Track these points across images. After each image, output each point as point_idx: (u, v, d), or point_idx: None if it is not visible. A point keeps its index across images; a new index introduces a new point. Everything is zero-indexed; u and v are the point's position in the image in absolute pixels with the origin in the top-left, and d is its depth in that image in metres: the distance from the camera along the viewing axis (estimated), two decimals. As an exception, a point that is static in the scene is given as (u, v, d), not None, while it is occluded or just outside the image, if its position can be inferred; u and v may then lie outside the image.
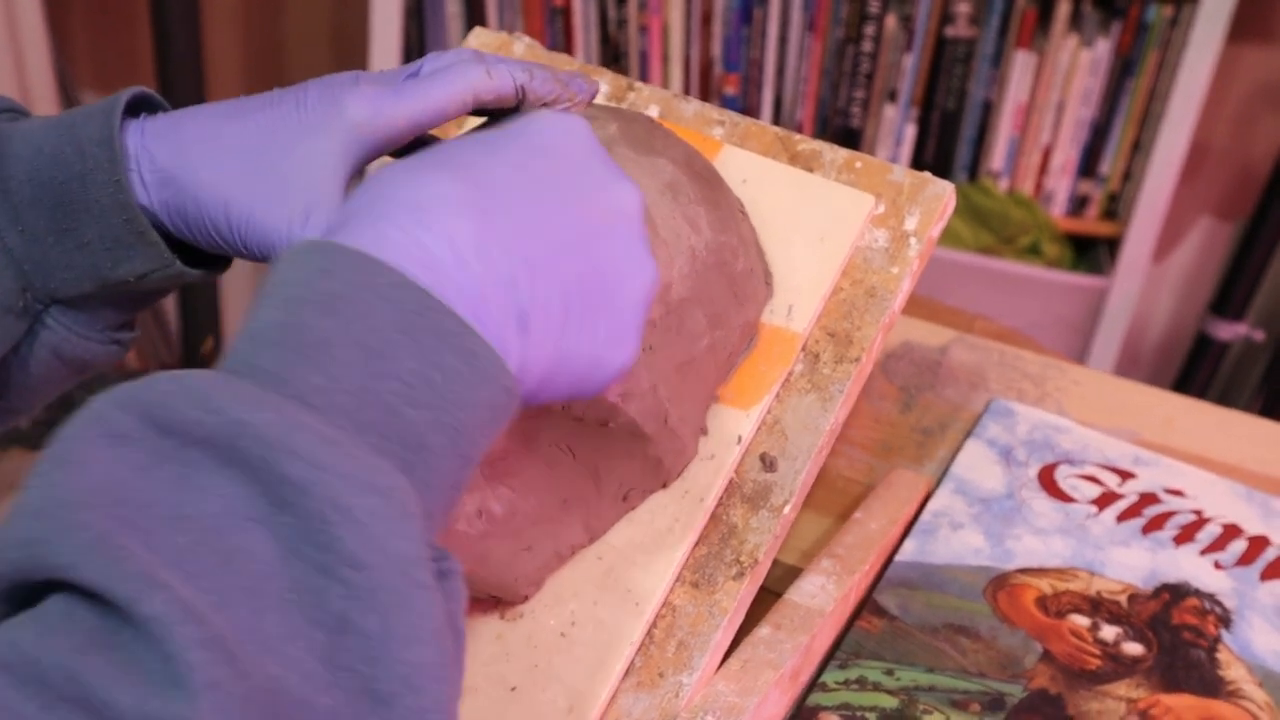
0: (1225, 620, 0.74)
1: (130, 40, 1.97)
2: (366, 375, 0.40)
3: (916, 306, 1.07)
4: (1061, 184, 1.91)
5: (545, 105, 0.60)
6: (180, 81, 1.71)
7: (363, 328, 0.41)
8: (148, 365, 1.94)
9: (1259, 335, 1.92)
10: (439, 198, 0.45)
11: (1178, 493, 0.82)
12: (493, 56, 0.59)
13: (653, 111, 0.74)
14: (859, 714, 0.67)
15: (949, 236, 1.85)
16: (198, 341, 1.82)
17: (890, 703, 0.68)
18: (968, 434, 0.86)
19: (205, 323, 1.82)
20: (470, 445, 0.43)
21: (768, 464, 0.64)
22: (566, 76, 0.60)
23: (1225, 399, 2.05)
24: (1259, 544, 0.79)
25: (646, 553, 0.62)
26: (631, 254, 0.49)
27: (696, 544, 0.63)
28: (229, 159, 0.57)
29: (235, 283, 2.03)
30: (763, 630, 0.66)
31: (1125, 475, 0.83)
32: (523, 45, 0.78)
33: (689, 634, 0.61)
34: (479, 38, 0.79)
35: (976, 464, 0.83)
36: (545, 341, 0.46)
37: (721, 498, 0.64)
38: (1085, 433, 0.86)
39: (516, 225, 0.46)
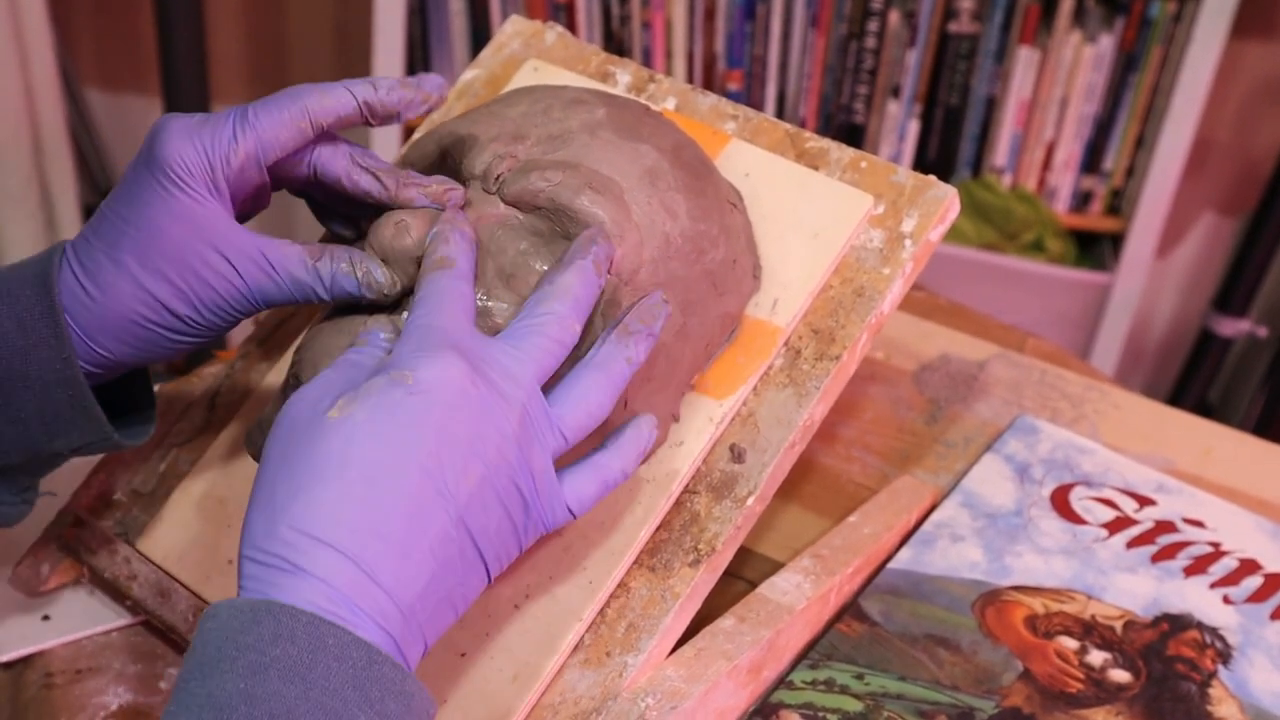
0: (1225, 656, 0.71)
1: (134, 38, 2.02)
2: None
3: (965, 320, 1.05)
4: (1065, 180, 1.90)
5: (397, 113, 0.59)
6: (184, 79, 1.73)
7: (321, 691, 0.45)
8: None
9: (1262, 331, 1.91)
10: (357, 537, 0.48)
11: (1197, 523, 0.79)
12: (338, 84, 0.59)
13: (670, 103, 0.75)
14: (821, 714, 0.66)
15: (952, 233, 1.86)
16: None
17: (855, 706, 0.67)
18: (986, 448, 0.85)
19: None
20: None
21: (736, 455, 0.64)
22: (415, 79, 0.59)
23: (1228, 395, 2.04)
24: (1276, 582, 0.76)
25: (606, 533, 0.63)
26: (493, 499, 0.51)
27: (658, 529, 0.64)
28: (140, 271, 0.58)
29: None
30: (725, 621, 0.66)
31: (1144, 501, 0.81)
32: (554, 34, 0.80)
33: (640, 616, 0.62)
34: (514, 25, 0.81)
35: (989, 478, 0.82)
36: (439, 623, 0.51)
37: (688, 485, 0.64)
38: (1110, 456, 0.84)
39: (416, 547, 0.49)
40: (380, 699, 0.46)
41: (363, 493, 0.48)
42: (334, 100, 0.58)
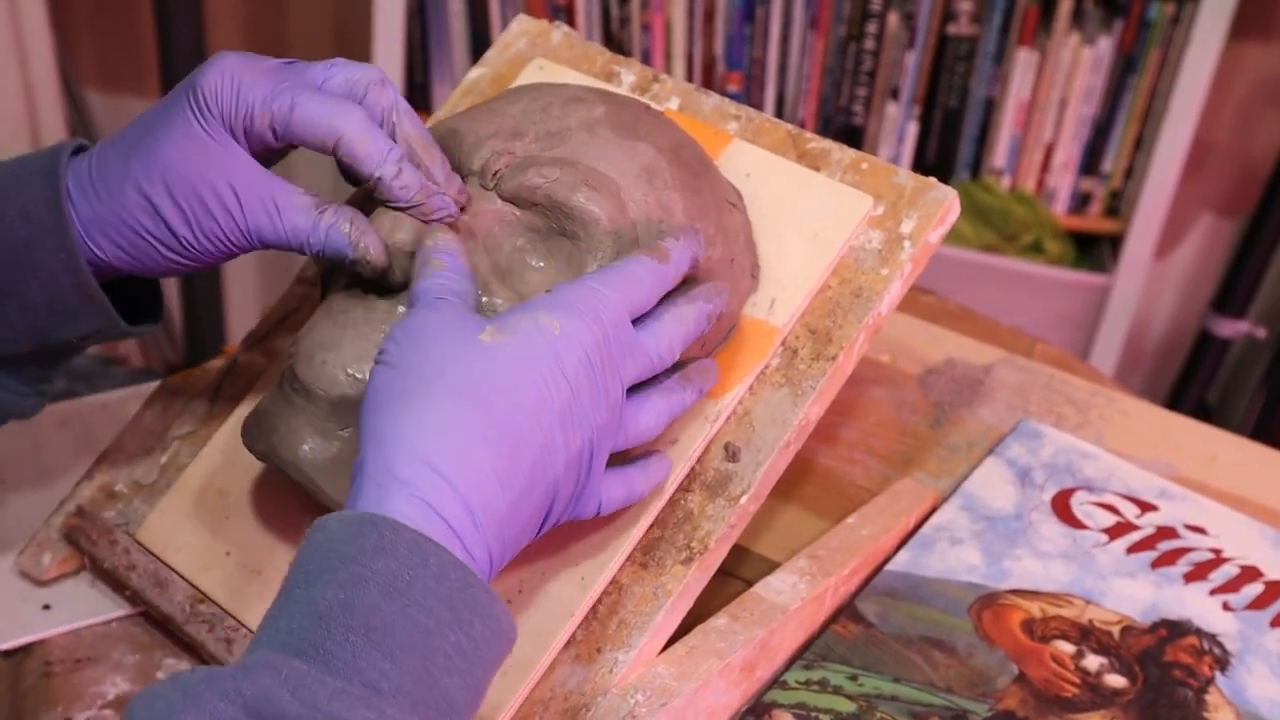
0: (1223, 663, 0.71)
1: (133, 38, 2.02)
2: (422, 655, 0.46)
3: (972, 325, 1.05)
4: (1063, 181, 1.90)
5: (397, 207, 0.60)
6: (183, 79, 1.73)
7: (419, 610, 0.46)
8: (153, 363, 1.99)
9: (1261, 332, 1.91)
10: (461, 461, 0.49)
11: (1199, 529, 0.79)
12: (400, 108, 0.60)
13: (673, 103, 0.75)
14: (813, 714, 0.66)
15: (951, 234, 1.88)
16: (201, 340, 1.86)
17: (848, 707, 0.67)
18: (989, 452, 0.85)
19: (209, 321, 1.85)
20: (482, 693, 0.49)
21: (731, 454, 0.65)
22: (437, 186, 0.59)
23: (1227, 396, 2.04)
24: (1277, 589, 0.75)
25: (599, 529, 0.63)
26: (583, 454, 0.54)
27: (651, 526, 0.64)
28: (156, 191, 0.59)
29: (238, 281, 2.07)
30: (719, 620, 0.66)
31: (1146, 507, 0.80)
32: (560, 34, 0.80)
33: (631, 613, 0.62)
34: (520, 24, 0.81)
35: (990, 482, 0.82)
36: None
37: (682, 483, 0.64)
38: (1113, 461, 0.84)
39: (526, 496, 0.51)
40: (470, 621, 0.47)
41: (497, 437, 0.50)
42: (363, 151, 0.58)
